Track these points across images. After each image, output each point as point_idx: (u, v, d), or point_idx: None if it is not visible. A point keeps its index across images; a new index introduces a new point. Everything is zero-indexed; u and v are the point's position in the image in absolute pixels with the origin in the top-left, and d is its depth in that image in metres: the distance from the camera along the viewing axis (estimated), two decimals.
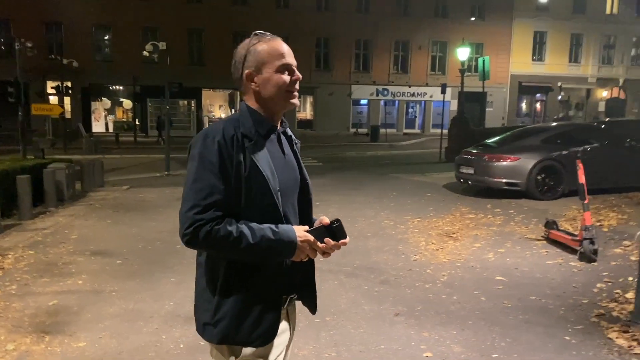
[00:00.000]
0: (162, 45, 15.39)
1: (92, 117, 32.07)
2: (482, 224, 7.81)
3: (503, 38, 35.73)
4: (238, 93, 34.88)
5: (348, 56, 33.95)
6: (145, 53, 15.97)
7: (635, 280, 4.23)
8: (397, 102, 35.78)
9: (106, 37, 31.77)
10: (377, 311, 4.44)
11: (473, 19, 34.74)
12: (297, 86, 1.71)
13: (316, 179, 12.99)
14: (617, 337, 3.87)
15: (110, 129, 31.77)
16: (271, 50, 1.66)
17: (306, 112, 35.49)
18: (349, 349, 3.73)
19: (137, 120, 30.04)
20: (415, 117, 37.23)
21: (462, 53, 19.17)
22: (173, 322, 4.17)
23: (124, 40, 30.49)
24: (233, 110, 36.96)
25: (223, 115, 36.74)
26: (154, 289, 5.01)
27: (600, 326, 4.10)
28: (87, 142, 21.49)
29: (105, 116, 32.86)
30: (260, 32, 1.71)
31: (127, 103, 30.68)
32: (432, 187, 11.65)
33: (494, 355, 3.62)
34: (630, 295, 4.52)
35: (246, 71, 1.67)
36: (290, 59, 1.69)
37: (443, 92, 19.89)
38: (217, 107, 36.81)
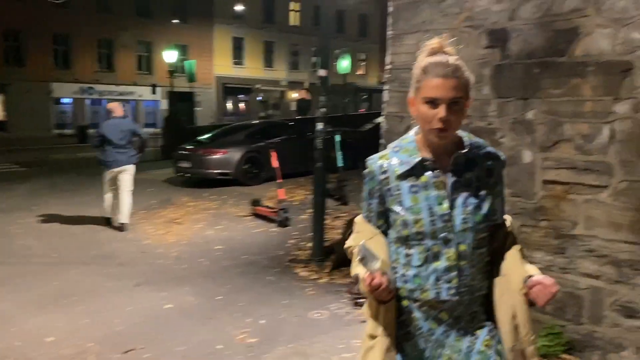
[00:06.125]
0: None
1: None
2: (201, 209, 9.00)
3: (205, 42, 37.85)
4: None
5: (45, 52, 31.13)
6: None
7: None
8: (104, 101, 34.44)
9: None
10: (119, 285, 5.14)
11: (176, 21, 35.76)
12: None
13: (27, 184, 12.24)
14: (301, 271, 5.51)
15: None
16: None
17: None
18: (100, 314, 4.40)
19: None
20: (127, 116, 36.50)
21: (169, 56, 20.13)
22: None
23: None
24: None
25: None
26: None
27: (291, 267, 5.70)
28: None
29: None
30: None
31: None
32: (153, 183, 12.29)
33: (217, 298, 4.81)
34: (310, 244, 6.28)
35: None
36: None
37: (153, 92, 20.57)
38: None
